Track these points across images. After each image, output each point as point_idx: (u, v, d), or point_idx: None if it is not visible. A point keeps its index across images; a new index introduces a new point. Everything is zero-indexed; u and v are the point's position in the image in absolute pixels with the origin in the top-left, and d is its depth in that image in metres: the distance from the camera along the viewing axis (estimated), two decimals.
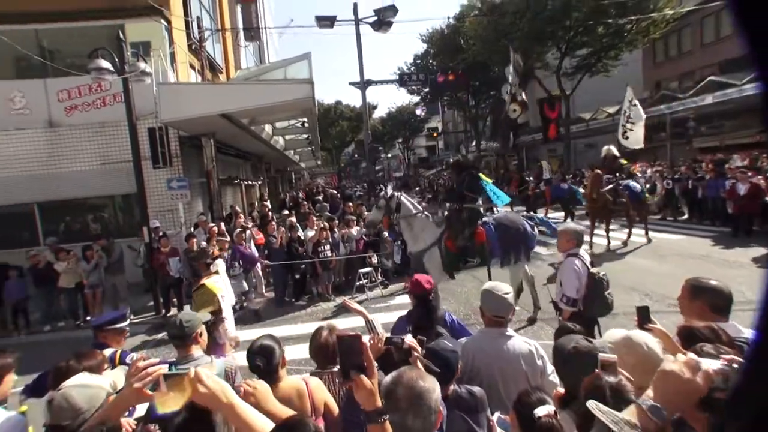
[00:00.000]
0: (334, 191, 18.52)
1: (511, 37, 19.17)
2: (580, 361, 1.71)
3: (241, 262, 7.91)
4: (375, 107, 45.53)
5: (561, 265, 3.79)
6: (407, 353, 1.96)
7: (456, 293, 8.34)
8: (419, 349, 2.00)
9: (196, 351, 2.55)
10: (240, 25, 16.96)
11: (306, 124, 13.97)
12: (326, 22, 14.14)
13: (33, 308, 8.07)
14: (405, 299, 8.13)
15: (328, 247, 8.84)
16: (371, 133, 38.48)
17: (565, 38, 19.42)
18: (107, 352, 2.96)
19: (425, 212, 6.42)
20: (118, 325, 3.17)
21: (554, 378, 2.26)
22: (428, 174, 36.71)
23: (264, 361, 2.12)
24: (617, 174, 10.68)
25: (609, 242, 10.39)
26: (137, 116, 8.45)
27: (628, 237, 10.54)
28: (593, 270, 3.66)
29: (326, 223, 9.13)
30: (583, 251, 3.82)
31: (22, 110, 10.56)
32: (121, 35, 8.26)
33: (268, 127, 13.03)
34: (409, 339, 2.09)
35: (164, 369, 1.34)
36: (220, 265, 4.96)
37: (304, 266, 8.72)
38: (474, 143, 33.32)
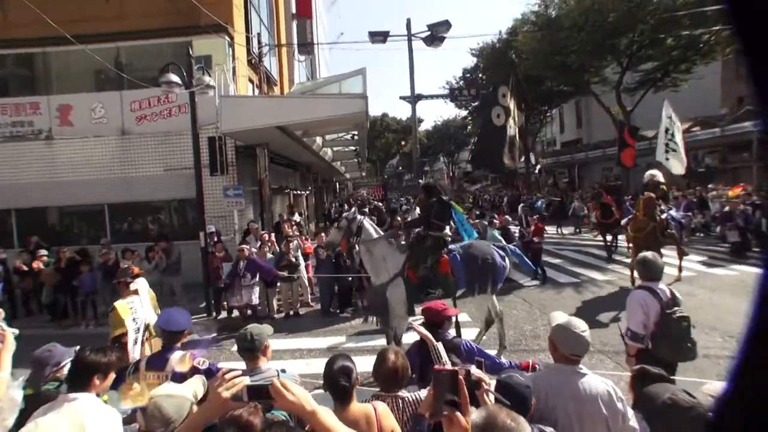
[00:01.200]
0: (380, 203, 18.67)
1: (566, 51, 18.56)
2: (677, 416, 1.58)
3: (252, 274, 7.90)
4: (421, 121, 45.72)
5: (629, 296, 3.61)
6: (475, 386, 1.83)
7: (505, 315, 8.07)
8: (488, 381, 1.90)
9: (264, 363, 2.62)
10: (294, 40, 17.61)
11: (356, 137, 14.20)
12: (379, 37, 14.40)
13: (100, 302, 8.63)
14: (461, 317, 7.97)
15: None
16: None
17: (627, 52, 18.33)
18: (177, 353, 3.11)
19: (389, 237, 5.94)
20: (184, 327, 3.29)
21: (634, 423, 2.12)
22: (473, 188, 36.15)
23: (345, 380, 2.15)
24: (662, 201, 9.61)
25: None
26: (200, 126, 8.93)
27: (680, 271, 9.38)
28: (673, 308, 3.42)
29: None
30: (663, 285, 3.57)
31: (100, 119, 11.53)
32: (190, 51, 8.81)
33: (318, 139, 13.36)
34: (475, 370, 2.03)
35: (248, 380, 1.37)
36: (140, 284, 4.78)
37: (351, 278, 8.78)
38: (523, 158, 32.54)
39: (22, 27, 10.86)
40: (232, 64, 11.14)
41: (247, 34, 12.24)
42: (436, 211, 5.70)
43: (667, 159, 11.49)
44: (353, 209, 6.16)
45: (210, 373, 3.02)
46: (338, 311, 8.88)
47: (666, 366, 3.16)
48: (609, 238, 11.96)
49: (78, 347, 2.62)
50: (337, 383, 2.14)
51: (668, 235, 8.98)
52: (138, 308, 4.44)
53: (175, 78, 8.24)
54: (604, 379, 2.32)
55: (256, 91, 13.16)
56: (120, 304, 4.32)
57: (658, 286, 3.55)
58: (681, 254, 9.42)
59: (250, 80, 12.94)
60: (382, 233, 5.91)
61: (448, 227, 5.99)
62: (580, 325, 2.31)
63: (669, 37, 16.62)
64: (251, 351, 2.57)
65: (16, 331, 2.49)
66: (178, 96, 9.86)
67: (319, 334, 7.78)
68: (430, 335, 2.91)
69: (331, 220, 12.27)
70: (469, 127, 43.22)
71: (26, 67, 12.20)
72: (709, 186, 16.80)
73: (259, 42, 13.01)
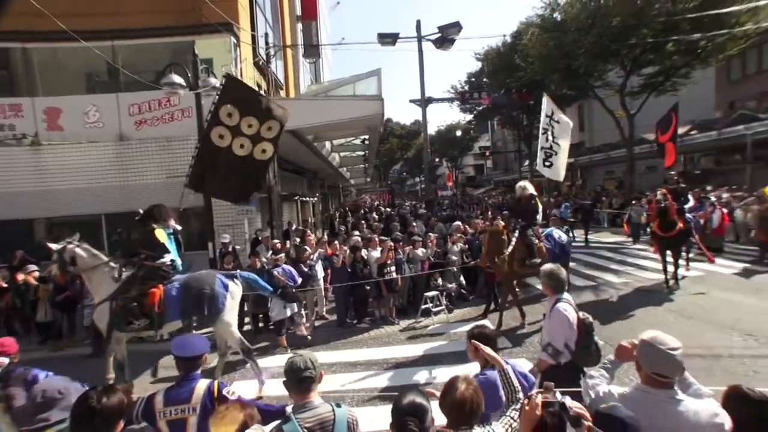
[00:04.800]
0: (388, 209, 18.20)
1: (573, 55, 18.35)
2: None
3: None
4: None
5: (553, 312, 3.40)
6: (576, 423, 1.62)
7: (531, 322, 7.58)
8: (588, 416, 1.69)
9: (316, 397, 2.21)
10: (300, 42, 17.19)
11: (366, 141, 13.72)
12: (388, 39, 13.97)
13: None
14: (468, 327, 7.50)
15: (393, 268, 8.43)
16: (419, 151, 38.41)
17: (631, 56, 18.25)
18: (203, 382, 2.62)
19: (111, 263, 5.67)
20: (202, 351, 2.80)
21: None
22: (477, 193, 35.75)
23: (416, 423, 1.79)
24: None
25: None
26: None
27: (687, 266, 9.78)
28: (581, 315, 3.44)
29: (392, 244, 8.71)
30: (567, 295, 3.51)
31: (95, 123, 10.89)
32: (195, 51, 8.32)
33: (327, 144, 12.88)
34: (571, 403, 1.68)
35: None
36: None
37: (368, 288, 8.28)
38: (527, 162, 32.25)
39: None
40: (239, 65, 10.62)
41: (253, 32, 11.75)
42: (145, 240, 5.63)
43: (550, 165, 9.64)
44: (69, 240, 5.72)
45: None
46: (355, 322, 8.43)
47: (578, 372, 3.20)
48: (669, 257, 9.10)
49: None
50: (404, 425, 1.79)
51: (530, 265, 7.39)
52: None
53: (178, 79, 7.77)
54: (711, 406, 1.94)
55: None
56: None
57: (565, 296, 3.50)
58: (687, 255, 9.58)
59: (258, 84, 12.44)
60: (104, 259, 5.69)
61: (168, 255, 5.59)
62: (670, 342, 2.02)
63: (669, 42, 16.50)
64: (311, 382, 2.18)
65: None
66: (181, 99, 9.36)
67: (337, 346, 7.37)
68: (496, 356, 2.52)
69: (334, 232, 11.63)
70: (472, 131, 42.93)
71: (3, 65, 11.30)
72: (707, 188, 16.83)
73: (267, 43, 12.52)
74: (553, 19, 20.09)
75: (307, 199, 16.54)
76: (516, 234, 7.54)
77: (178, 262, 5.76)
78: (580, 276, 10.78)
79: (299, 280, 7.29)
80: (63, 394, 2.02)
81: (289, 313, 7.09)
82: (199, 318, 5.49)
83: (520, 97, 20.54)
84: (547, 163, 9.67)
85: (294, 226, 12.38)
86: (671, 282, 8.96)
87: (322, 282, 8.64)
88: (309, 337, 7.62)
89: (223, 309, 5.53)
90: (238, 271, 6.21)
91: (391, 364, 6.36)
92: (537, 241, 7.56)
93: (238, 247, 9.02)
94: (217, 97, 6.57)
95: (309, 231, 9.89)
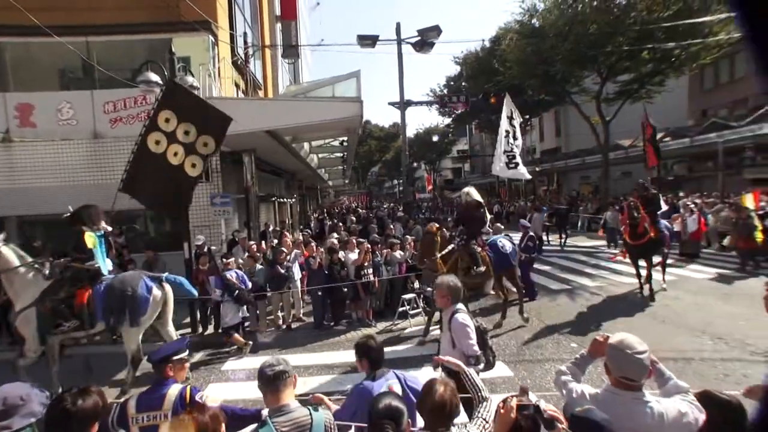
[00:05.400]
0: (364, 211, 18.24)
1: (550, 61, 18.71)
2: None
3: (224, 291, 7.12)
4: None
5: (454, 324, 3.44)
6: (550, 425, 1.67)
7: (503, 325, 7.78)
8: (562, 418, 1.75)
9: (291, 400, 2.23)
10: (279, 42, 17.09)
11: (345, 143, 13.75)
12: (368, 41, 14.02)
13: None
14: None
15: (371, 270, 8.48)
16: (398, 153, 38.54)
17: (607, 63, 18.64)
18: (175, 388, 2.64)
19: (36, 265, 5.61)
20: (182, 355, 2.83)
21: None
22: (454, 196, 36.15)
23: (392, 426, 1.85)
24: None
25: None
26: None
27: (664, 280, 9.41)
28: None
29: (369, 246, 8.76)
30: (461, 305, 3.61)
31: (69, 121, 10.60)
32: (171, 48, 8.22)
33: (306, 145, 12.85)
34: (545, 405, 1.74)
35: None
36: None
37: (345, 290, 8.31)
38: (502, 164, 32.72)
39: None
40: (217, 65, 10.51)
41: (232, 32, 11.65)
42: (74, 242, 5.66)
43: (515, 166, 9.59)
44: None
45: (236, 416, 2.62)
46: (332, 324, 8.42)
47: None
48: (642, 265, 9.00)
49: (49, 392, 2.09)
50: (383, 429, 1.85)
51: (474, 274, 7.19)
52: None
53: (154, 77, 7.65)
54: (680, 404, 2.00)
55: (241, 95, 12.55)
56: None
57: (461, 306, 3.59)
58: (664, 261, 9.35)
59: (236, 84, 12.32)
60: (28, 260, 5.61)
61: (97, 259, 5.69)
62: (637, 345, 2.01)
63: (644, 50, 16.93)
64: (277, 383, 2.21)
65: None
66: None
67: (314, 348, 7.34)
68: (461, 363, 2.60)
69: (314, 234, 11.58)
70: (451, 135, 43.32)
71: None
72: (680, 194, 17.29)
73: (245, 42, 12.42)
74: (531, 25, 20.35)
75: (285, 200, 16.44)
76: (457, 242, 7.30)
77: (105, 268, 5.77)
78: (555, 279, 10.99)
79: (249, 285, 7.46)
80: (24, 401, 1.99)
81: (241, 317, 7.16)
82: (120, 319, 5.48)
83: (498, 101, 20.84)
84: (511, 165, 9.67)
85: (271, 227, 12.30)
86: (646, 290, 8.84)
87: (299, 283, 8.60)
88: (267, 341, 7.64)
89: (144, 312, 5.54)
90: (165, 274, 6.19)
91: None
92: (479, 249, 7.32)
93: (214, 247, 8.93)
94: (157, 102, 6.54)
95: (286, 232, 9.85)
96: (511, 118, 9.62)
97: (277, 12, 17.35)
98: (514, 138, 9.65)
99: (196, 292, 6.48)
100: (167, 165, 6.57)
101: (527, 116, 30.61)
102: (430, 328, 7.35)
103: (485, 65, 25.68)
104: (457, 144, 50.30)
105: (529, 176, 10.48)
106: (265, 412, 2.31)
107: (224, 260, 7.41)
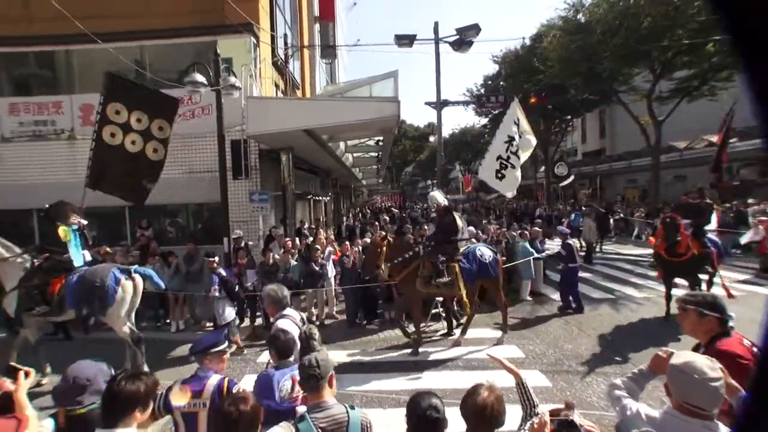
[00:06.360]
0: (397, 211, 18.23)
1: (596, 58, 17.93)
2: None
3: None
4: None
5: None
6: None
7: (543, 334, 7.58)
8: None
9: (329, 397, 2.30)
10: (317, 43, 17.37)
11: (380, 143, 13.81)
12: (405, 41, 14.02)
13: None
14: (478, 333, 7.53)
15: None
16: (432, 153, 38.33)
17: (662, 59, 17.30)
18: (214, 378, 2.74)
19: (22, 255, 6.16)
20: (220, 348, 2.90)
21: None
22: (489, 198, 35.54)
23: (437, 413, 1.99)
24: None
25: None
26: (225, 129, 8.60)
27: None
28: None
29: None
30: (290, 310, 3.66)
31: None
32: (217, 50, 8.53)
33: (341, 144, 13.00)
34: (581, 421, 1.72)
35: None
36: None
37: (379, 289, 8.35)
38: (543, 168, 31.89)
39: (45, 22, 10.57)
40: (258, 65, 10.81)
41: (273, 33, 11.93)
42: (50, 238, 6.07)
43: (502, 177, 8.67)
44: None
45: None
46: (365, 322, 8.47)
47: None
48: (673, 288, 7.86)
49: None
50: (427, 415, 1.96)
51: (436, 285, 6.69)
52: None
53: (200, 78, 7.96)
54: None
55: (280, 95, 12.86)
56: None
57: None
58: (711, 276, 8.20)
59: (276, 85, 12.62)
60: (17, 252, 6.16)
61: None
62: (709, 371, 1.76)
63: (709, 43, 15.55)
64: (316, 380, 2.28)
65: (31, 371, 2.20)
66: (201, 97, 9.57)
67: (345, 346, 7.39)
68: (515, 368, 2.50)
69: (350, 233, 11.62)
70: (487, 135, 42.59)
71: (48, 66, 11.94)
72: (749, 201, 15.73)
73: (285, 43, 12.70)
74: (576, 21, 19.53)
75: (320, 198, 16.69)
76: (422, 248, 6.90)
77: (78, 260, 6.12)
78: (596, 288, 10.52)
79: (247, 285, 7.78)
80: (90, 381, 2.16)
81: (234, 315, 7.23)
82: (90, 309, 5.86)
83: (539, 101, 20.27)
84: (499, 175, 8.83)
85: (306, 225, 12.52)
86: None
87: (333, 281, 8.71)
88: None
89: (112, 302, 5.82)
90: (135, 266, 6.49)
91: (399, 367, 6.35)
92: (444, 258, 6.75)
93: (251, 242, 9.20)
94: (102, 96, 6.77)
95: (320, 230, 10.01)
96: (517, 125, 8.81)
97: (316, 13, 17.65)
98: (516, 148, 8.79)
99: (163, 285, 6.73)
100: (126, 154, 6.94)
101: (569, 116, 29.67)
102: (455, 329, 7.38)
103: (525, 64, 25.03)
104: None
105: (512, 194, 9.54)
106: (303, 408, 2.38)
107: (209, 259, 7.14)
